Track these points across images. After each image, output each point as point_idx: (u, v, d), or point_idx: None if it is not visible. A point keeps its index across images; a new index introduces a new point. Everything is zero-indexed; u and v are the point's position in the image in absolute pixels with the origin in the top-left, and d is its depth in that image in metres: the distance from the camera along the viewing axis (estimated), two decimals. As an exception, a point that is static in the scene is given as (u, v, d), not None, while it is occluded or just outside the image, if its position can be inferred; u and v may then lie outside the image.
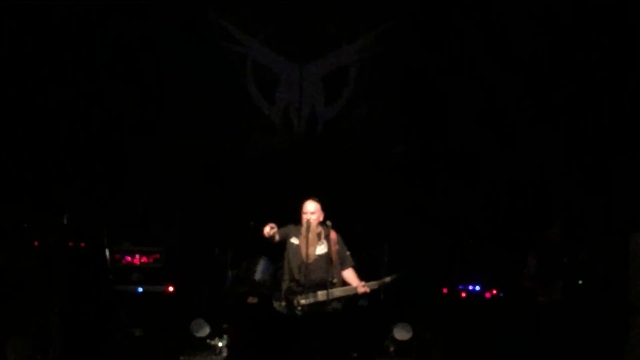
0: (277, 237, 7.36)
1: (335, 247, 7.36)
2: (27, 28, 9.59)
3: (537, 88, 10.00)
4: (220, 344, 8.66)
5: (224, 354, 8.54)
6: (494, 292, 9.40)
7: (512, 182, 10.03)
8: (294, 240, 7.44)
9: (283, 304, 7.33)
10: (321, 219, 7.41)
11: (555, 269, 8.43)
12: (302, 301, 7.24)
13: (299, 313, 7.22)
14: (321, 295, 7.22)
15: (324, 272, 7.27)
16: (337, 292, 7.28)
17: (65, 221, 8.82)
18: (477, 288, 9.45)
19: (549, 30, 9.92)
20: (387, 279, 7.47)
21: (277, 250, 7.62)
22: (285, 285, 7.42)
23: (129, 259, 9.10)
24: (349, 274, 7.47)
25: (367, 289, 7.39)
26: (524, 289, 8.57)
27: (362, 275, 7.51)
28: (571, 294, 8.43)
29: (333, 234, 7.39)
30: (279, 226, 7.33)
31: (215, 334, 8.78)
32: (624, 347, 7.58)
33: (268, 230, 7.23)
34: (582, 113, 9.81)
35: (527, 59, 10.00)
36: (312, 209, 7.39)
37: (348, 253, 7.55)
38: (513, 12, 9.97)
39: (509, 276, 9.19)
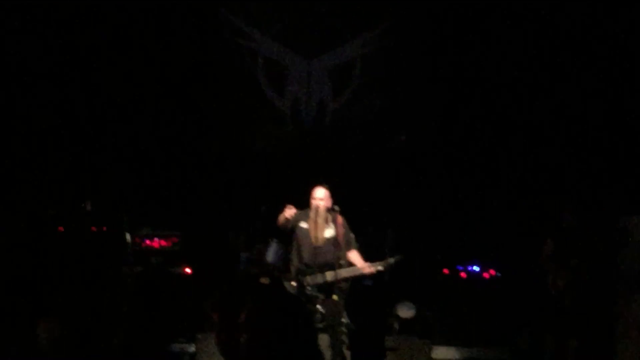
0: (289, 225, 7.69)
1: (341, 230, 7.59)
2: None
3: (546, 78, 10.01)
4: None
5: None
6: (492, 272, 9.51)
7: (517, 169, 10.11)
8: (303, 225, 7.68)
9: (293, 284, 7.57)
10: (329, 204, 7.67)
11: (571, 251, 8.41)
12: (311, 281, 7.51)
13: (308, 293, 7.46)
14: (329, 275, 7.47)
15: (332, 254, 7.54)
16: (344, 272, 7.51)
17: (88, 208, 9.24)
18: (476, 269, 9.58)
19: (556, 23, 9.99)
20: (391, 260, 7.56)
21: (288, 234, 7.86)
22: (295, 266, 7.69)
23: (148, 242, 9.31)
24: (354, 256, 7.69)
25: (373, 270, 7.59)
26: (543, 270, 8.52)
27: (367, 257, 7.72)
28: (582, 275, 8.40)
29: (339, 218, 7.62)
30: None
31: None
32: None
33: (289, 212, 7.57)
34: (592, 100, 9.83)
35: (535, 50, 10.03)
36: (321, 195, 7.68)
37: (353, 236, 7.77)
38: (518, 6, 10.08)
39: (509, 258, 9.38)
